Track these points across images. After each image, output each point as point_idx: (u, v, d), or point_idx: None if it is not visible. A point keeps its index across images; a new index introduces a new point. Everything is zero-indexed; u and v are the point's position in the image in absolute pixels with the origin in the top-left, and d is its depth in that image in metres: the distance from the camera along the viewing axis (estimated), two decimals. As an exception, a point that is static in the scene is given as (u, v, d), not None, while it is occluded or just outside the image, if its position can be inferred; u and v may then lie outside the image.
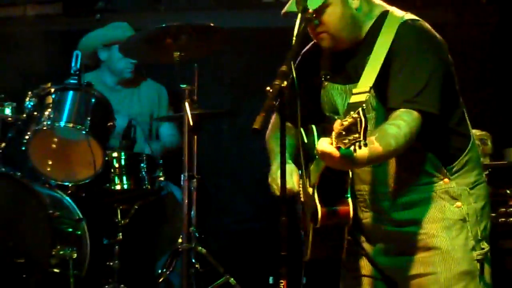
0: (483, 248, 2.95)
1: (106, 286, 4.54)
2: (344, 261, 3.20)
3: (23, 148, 4.49)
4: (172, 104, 5.35)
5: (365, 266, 3.18)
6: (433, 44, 2.96)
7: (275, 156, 3.24)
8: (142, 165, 4.71)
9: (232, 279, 4.37)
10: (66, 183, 4.61)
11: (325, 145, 2.61)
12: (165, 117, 5.32)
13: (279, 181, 2.89)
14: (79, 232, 4.53)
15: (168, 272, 4.44)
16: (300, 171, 3.31)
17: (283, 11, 3.06)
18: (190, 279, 4.37)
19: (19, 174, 4.54)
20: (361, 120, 2.50)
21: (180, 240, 4.38)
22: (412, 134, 2.79)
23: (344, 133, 2.56)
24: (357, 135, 2.53)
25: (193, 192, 4.57)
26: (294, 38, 2.80)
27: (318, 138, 3.06)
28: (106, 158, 4.51)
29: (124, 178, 4.74)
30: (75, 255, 4.39)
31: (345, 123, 2.53)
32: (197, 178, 4.57)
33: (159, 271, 4.57)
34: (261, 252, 4.76)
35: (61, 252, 4.35)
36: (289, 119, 3.07)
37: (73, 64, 4.66)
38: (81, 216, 4.54)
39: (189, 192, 4.48)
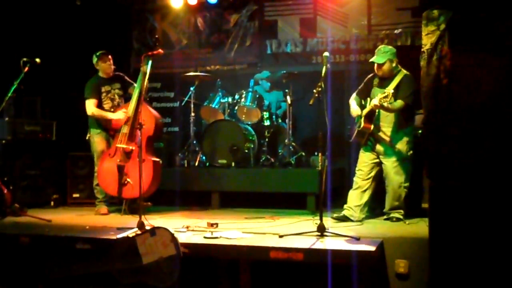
0: (410, 150, 5.40)
1: (263, 158, 7.23)
2: (363, 144, 5.53)
3: (235, 112, 7.38)
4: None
5: (372, 149, 5.49)
6: (414, 82, 5.17)
7: (352, 104, 5.57)
8: (273, 116, 7.55)
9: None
10: (249, 122, 7.42)
11: (376, 101, 5.06)
12: (281, 101, 7.80)
13: (357, 112, 5.48)
14: (253, 138, 7.25)
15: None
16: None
17: (371, 60, 5.44)
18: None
19: (233, 120, 7.26)
20: (389, 94, 4.95)
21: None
22: (401, 108, 5.23)
23: (383, 97, 4.95)
24: (387, 99, 4.94)
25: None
26: (322, 75, 4.88)
27: (370, 102, 5.37)
28: (262, 114, 7.33)
29: (268, 119, 7.53)
30: (252, 145, 7.21)
31: (384, 94, 4.97)
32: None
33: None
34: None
35: (248, 145, 7.12)
36: (360, 96, 5.60)
37: (251, 84, 7.62)
38: (253, 133, 7.28)
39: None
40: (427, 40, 3.55)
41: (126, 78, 6.48)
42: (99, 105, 6.31)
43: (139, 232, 4.51)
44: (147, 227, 4.58)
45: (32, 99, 7.53)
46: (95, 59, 6.33)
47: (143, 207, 5.11)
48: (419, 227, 5.08)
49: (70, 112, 7.83)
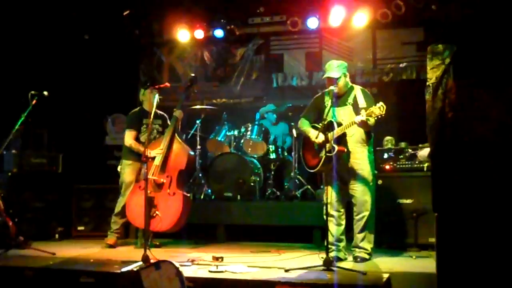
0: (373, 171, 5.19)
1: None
2: (329, 172, 5.00)
3: (241, 145, 7.42)
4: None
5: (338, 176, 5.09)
6: (371, 96, 5.07)
7: (309, 130, 5.20)
8: (279, 149, 7.61)
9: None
10: (255, 155, 7.48)
11: (362, 117, 4.69)
12: (287, 134, 7.82)
13: (320, 136, 4.89)
14: (259, 171, 7.30)
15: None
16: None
17: (324, 76, 5.11)
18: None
19: (239, 153, 7.33)
20: (381, 107, 4.50)
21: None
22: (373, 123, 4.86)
23: (374, 109, 4.57)
24: (381, 111, 4.50)
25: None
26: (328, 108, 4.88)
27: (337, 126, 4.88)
28: (268, 147, 7.39)
29: (274, 153, 7.61)
30: (258, 178, 7.25)
31: (376, 106, 4.59)
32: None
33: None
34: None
35: (253, 178, 7.16)
36: (309, 118, 5.25)
37: (257, 117, 7.81)
38: (259, 166, 7.35)
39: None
40: (432, 74, 3.54)
41: (168, 121, 6.36)
42: (136, 136, 6.32)
43: (143, 265, 4.47)
44: (152, 261, 4.55)
45: (39, 132, 7.59)
46: (143, 89, 6.38)
47: (148, 239, 5.09)
48: (427, 262, 5.03)
49: (77, 145, 7.94)
